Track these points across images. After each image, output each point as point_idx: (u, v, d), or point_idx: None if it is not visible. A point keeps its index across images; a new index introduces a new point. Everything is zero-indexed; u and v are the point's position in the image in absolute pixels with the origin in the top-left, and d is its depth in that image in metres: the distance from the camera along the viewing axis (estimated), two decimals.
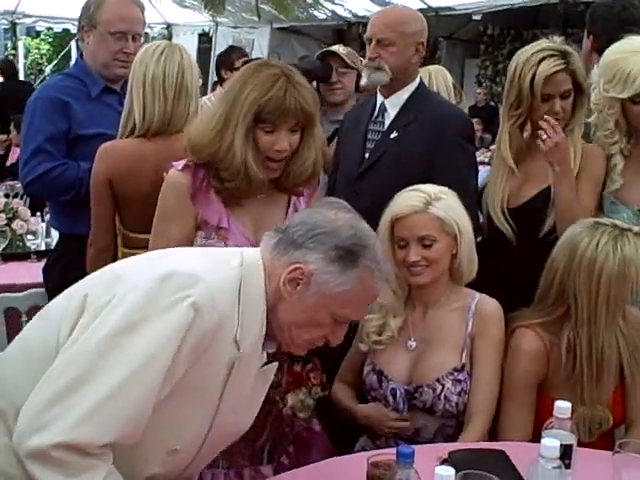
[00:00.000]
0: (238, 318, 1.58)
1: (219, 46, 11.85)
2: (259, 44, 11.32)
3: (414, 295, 2.43)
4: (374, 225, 2.42)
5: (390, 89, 2.91)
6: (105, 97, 3.08)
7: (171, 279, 1.53)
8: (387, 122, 2.92)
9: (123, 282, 1.57)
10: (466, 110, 4.27)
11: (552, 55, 2.64)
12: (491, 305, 2.39)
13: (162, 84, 2.60)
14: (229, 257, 1.66)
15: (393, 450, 1.64)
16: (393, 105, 2.91)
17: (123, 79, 3.06)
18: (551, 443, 1.60)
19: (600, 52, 3.27)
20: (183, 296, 1.51)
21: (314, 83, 3.41)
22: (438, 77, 3.94)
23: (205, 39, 12.76)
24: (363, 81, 2.98)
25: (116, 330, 1.49)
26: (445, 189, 2.38)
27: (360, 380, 2.46)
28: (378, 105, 2.96)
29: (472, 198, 2.66)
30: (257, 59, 3.75)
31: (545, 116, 2.61)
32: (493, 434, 2.31)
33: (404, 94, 2.91)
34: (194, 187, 2.18)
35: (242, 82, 2.13)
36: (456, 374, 2.31)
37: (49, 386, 1.48)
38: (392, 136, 2.87)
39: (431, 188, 2.36)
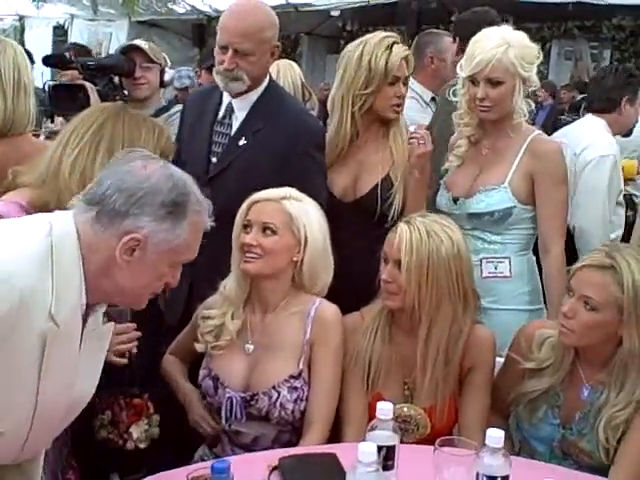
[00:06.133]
0: (52, 290, 1.49)
1: (75, 40, 11.44)
2: (117, 38, 11.00)
3: (254, 297, 2.40)
4: (224, 231, 2.33)
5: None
6: None
7: None
8: (235, 125, 2.78)
9: None
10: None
11: (399, 42, 2.78)
12: (331, 310, 2.37)
13: None
14: (34, 228, 1.55)
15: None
16: (241, 107, 2.78)
17: None
18: (367, 448, 1.60)
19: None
20: None
21: (116, 78, 3.30)
22: (286, 73, 3.76)
23: (61, 32, 12.28)
24: (221, 86, 2.77)
25: None
26: (312, 200, 2.38)
27: (191, 358, 2.48)
28: (225, 105, 2.81)
29: (324, 207, 2.55)
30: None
31: (415, 128, 2.77)
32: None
33: (253, 95, 2.77)
34: None
35: None
36: (292, 381, 2.28)
37: None
38: (241, 143, 2.74)
39: (297, 192, 2.36)
